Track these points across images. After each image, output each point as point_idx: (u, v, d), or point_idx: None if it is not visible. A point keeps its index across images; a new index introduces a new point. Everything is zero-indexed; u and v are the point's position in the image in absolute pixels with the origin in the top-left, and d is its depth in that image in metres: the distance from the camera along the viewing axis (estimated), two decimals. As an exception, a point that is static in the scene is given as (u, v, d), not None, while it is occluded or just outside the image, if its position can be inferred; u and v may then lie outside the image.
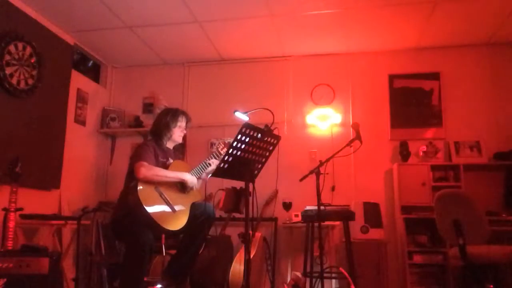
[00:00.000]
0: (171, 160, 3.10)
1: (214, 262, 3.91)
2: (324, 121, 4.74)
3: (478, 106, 4.54)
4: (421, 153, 4.47)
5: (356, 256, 3.48)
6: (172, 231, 2.83)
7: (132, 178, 2.86)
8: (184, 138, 3.32)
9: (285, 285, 3.91)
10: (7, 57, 3.59)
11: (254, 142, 2.48)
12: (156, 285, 2.94)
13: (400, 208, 4.21)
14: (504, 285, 3.17)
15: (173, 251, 3.17)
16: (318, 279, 3.10)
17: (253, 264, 3.64)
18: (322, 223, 3.15)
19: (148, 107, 5.17)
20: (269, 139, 2.56)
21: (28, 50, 3.82)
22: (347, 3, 3.84)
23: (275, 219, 4.48)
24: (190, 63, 5.19)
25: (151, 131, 3.22)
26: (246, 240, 2.44)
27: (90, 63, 5.16)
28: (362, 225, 3.96)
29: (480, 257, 2.94)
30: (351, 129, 4.10)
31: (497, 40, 4.52)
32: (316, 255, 3.22)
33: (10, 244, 3.07)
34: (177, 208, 2.89)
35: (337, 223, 4.14)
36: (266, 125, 2.62)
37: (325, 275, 3.17)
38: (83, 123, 4.77)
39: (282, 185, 4.27)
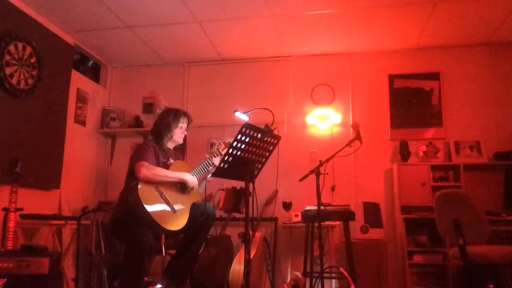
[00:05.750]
0: (171, 160, 3.09)
1: (214, 262, 3.91)
2: (324, 121, 4.74)
3: (478, 106, 4.54)
4: (421, 153, 4.47)
5: (356, 256, 3.47)
6: (172, 231, 2.83)
7: (132, 178, 2.86)
8: (184, 138, 3.33)
9: (285, 285, 3.91)
10: (7, 57, 3.59)
11: (254, 142, 2.48)
12: (156, 285, 2.94)
13: (400, 208, 4.21)
14: (504, 285, 3.17)
15: (173, 251, 3.17)
16: (318, 279, 3.10)
17: (253, 264, 3.63)
18: (322, 223, 3.14)
19: (148, 107, 5.17)
20: (269, 139, 2.57)
21: (28, 50, 3.82)
22: (347, 3, 3.84)
23: (275, 219, 4.48)
24: (190, 63, 5.18)
25: (152, 131, 3.22)
26: (246, 240, 2.44)
27: (90, 63, 5.16)
28: (362, 225, 3.96)
29: (480, 257, 2.94)
30: (351, 129, 4.10)
31: (497, 40, 4.52)
32: (316, 255, 3.22)
33: (10, 244, 3.07)
34: (177, 208, 2.89)
35: (337, 223, 4.14)
36: (266, 125, 2.62)
37: (325, 275, 3.17)
38: (83, 123, 4.77)
39: (282, 185, 4.29)
